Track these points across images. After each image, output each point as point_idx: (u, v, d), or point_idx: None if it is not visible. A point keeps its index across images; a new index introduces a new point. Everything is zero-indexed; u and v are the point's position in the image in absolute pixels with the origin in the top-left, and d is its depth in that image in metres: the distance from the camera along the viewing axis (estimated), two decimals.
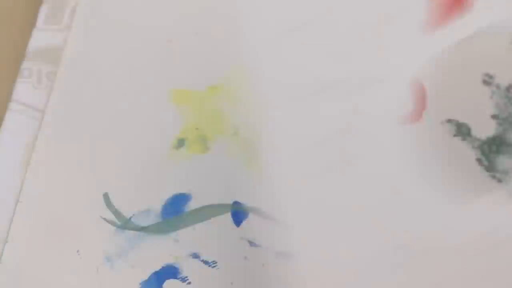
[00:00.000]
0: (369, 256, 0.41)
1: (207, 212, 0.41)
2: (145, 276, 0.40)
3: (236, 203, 0.42)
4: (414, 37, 0.45)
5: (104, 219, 0.42)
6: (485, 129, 0.43)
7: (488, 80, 0.44)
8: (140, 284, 0.40)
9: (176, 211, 0.41)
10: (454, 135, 0.43)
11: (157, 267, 0.40)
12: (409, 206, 0.42)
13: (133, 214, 0.42)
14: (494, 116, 0.43)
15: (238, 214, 0.41)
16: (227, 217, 0.41)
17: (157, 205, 0.42)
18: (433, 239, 0.41)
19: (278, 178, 0.42)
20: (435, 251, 0.41)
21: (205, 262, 0.41)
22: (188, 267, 0.40)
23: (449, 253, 0.41)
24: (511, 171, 0.42)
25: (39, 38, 0.46)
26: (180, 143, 0.43)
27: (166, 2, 0.47)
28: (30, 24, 0.46)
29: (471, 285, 0.40)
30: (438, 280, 0.40)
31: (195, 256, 0.41)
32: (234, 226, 0.41)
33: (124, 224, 0.41)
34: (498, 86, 0.44)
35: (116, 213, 0.42)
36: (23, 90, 0.44)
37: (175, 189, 0.42)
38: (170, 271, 0.40)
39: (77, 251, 0.41)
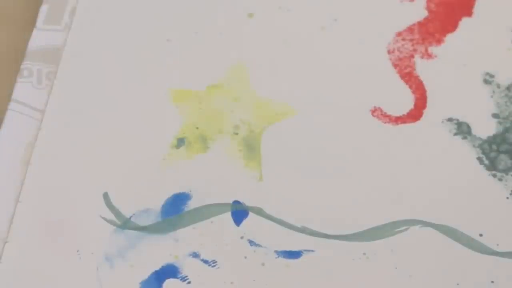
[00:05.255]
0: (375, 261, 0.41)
1: (207, 211, 0.41)
2: (145, 276, 0.40)
3: (236, 202, 0.42)
4: (414, 36, 0.45)
5: (104, 218, 0.41)
6: (485, 128, 0.43)
7: (488, 79, 0.44)
8: (140, 283, 0.40)
9: (176, 210, 0.41)
10: (455, 134, 0.43)
11: (157, 267, 0.40)
12: (410, 205, 0.42)
13: (133, 214, 0.42)
14: (494, 115, 0.43)
15: (238, 213, 0.41)
16: (227, 216, 0.41)
17: (157, 205, 0.42)
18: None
19: (278, 177, 0.42)
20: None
21: (205, 262, 0.40)
22: (188, 267, 0.40)
23: None
24: (511, 170, 0.42)
25: (39, 38, 0.46)
26: (180, 142, 0.43)
27: (165, 1, 0.47)
28: (30, 24, 0.46)
29: None
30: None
31: (195, 255, 0.41)
32: (234, 225, 0.41)
33: (124, 223, 0.41)
34: (498, 85, 0.44)
35: (116, 212, 0.42)
36: (23, 90, 0.44)
37: (175, 188, 0.42)
38: (170, 271, 0.40)
39: (77, 251, 0.41)
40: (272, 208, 0.41)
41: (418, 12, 0.46)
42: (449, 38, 0.45)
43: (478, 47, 0.45)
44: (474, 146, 0.43)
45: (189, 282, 0.40)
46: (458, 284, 0.40)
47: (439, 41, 0.45)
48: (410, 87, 0.44)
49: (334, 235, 0.41)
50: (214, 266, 0.40)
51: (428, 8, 0.46)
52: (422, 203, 0.41)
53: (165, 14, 0.46)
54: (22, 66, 0.45)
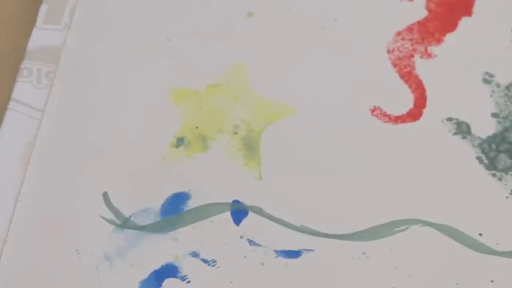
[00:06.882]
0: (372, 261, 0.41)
1: (207, 211, 0.41)
2: (145, 275, 0.40)
3: (235, 201, 0.42)
4: (414, 36, 0.45)
5: (104, 218, 0.41)
6: (485, 127, 0.43)
7: (488, 79, 0.44)
8: (139, 283, 0.40)
9: (175, 210, 0.41)
10: (454, 134, 0.43)
11: (157, 266, 0.40)
12: (409, 204, 0.42)
13: (133, 213, 0.42)
14: (494, 115, 0.43)
15: (238, 213, 0.41)
16: (227, 216, 0.41)
17: (157, 204, 0.42)
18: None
19: (277, 177, 0.42)
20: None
21: (205, 261, 0.40)
22: (187, 266, 0.40)
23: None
24: (511, 169, 0.42)
25: (39, 38, 0.46)
26: (180, 142, 0.43)
27: (165, 1, 0.47)
28: (30, 24, 0.46)
29: None
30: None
31: (195, 255, 0.41)
32: (233, 225, 0.41)
33: (124, 223, 0.41)
34: (498, 85, 0.44)
35: (116, 212, 0.42)
36: (22, 89, 0.44)
37: (175, 188, 0.42)
38: (169, 270, 0.40)
39: (77, 250, 0.41)
40: (272, 207, 0.41)
41: (417, 11, 0.46)
42: (449, 37, 0.45)
43: (477, 46, 0.45)
44: (473, 145, 0.43)
45: (188, 282, 0.40)
46: (457, 284, 0.40)
47: (438, 41, 0.45)
48: (410, 86, 0.44)
49: (333, 234, 0.41)
50: (214, 265, 0.40)
51: (427, 8, 0.46)
52: (422, 202, 0.41)
53: (165, 14, 0.46)
54: (21, 66, 0.45)
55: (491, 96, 0.44)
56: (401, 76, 0.44)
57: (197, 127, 0.43)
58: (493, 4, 0.46)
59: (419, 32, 0.45)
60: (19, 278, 0.40)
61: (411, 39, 0.45)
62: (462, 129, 0.43)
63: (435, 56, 0.45)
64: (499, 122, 0.43)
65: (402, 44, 0.45)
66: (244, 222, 0.41)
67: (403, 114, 0.43)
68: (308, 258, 0.40)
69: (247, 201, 0.42)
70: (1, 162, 0.43)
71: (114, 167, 0.43)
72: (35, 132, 0.44)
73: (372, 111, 0.44)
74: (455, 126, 0.43)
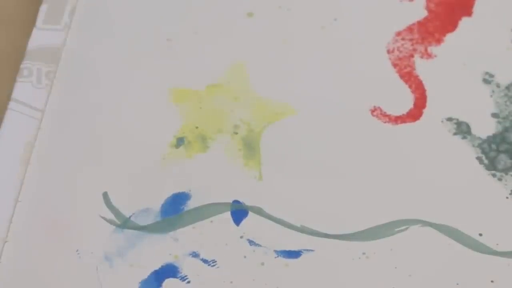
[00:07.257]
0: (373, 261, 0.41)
1: (207, 211, 0.41)
2: (145, 275, 0.40)
3: (235, 202, 0.42)
4: (413, 36, 0.45)
5: (104, 218, 0.41)
6: (485, 127, 0.43)
7: (488, 79, 0.44)
8: (139, 283, 0.40)
9: (175, 210, 0.41)
10: (454, 134, 0.43)
11: (157, 266, 0.40)
12: (409, 205, 0.42)
13: (133, 213, 0.42)
14: (494, 115, 0.43)
15: (238, 213, 0.41)
16: (227, 216, 0.41)
17: (157, 204, 0.42)
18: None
19: (277, 177, 0.42)
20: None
21: (205, 261, 0.40)
22: (187, 266, 0.40)
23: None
24: (511, 169, 0.42)
25: (39, 38, 0.46)
26: (180, 142, 0.43)
27: (165, 1, 0.47)
28: (30, 24, 0.46)
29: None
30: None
31: (195, 255, 0.41)
32: (233, 225, 0.41)
33: (124, 223, 0.41)
34: (498, 85, 0.44)
35: (116, 212, 0.42)
36: (22, 89, 0.44)
37: (175, 188, 0.42)
38: (169, 270, 0.40)
39: (77, 250, 0.41)
40: (272, 207, 0.41)
41: (417, 11, 0.46)
42: (449, 37, 0.45)
43: (477, 46, 0.45)
44: (473, 145, 0.43)
45: (188, 282, 0.40)
46: (457, 284, 0.40)
47: (438, 41, 0.45)
48: (410, 86, 0.44)
49: (333, 234, 0.41)
50: (214, 265, 0.40)
51: (427, 8, 0.46)
52: (422, 202, 0.41)
53: (165, 14, 0.46)
54: (22, 66, 0.45)
55: (491, 96, 0.44)
56: (401, 76, 0.44)
57: (197, 127, 0.43)
58: (493, 4, 0.46)
59: (419, 32, 0.45)
60: (19, 278, 0.40)
61: (411, 39, 0.45)
62: (462, 129, 0.43)
63: (435, 56, 0.45)
64: (499, 122, 0.43)
65: (402, 44, 0.45)
66: (244, 222, 0.41)
67: (403, 114, 0.43)
68: (308, 258, 0.40)
69: (247, 201, 0.42)
70: (1, 162, 0.43)
71: (114, 167, 0.43)
72: (35, 132, 0.44)
73: (372, 111, 0.44)
74: (455, 126, 0.43)
